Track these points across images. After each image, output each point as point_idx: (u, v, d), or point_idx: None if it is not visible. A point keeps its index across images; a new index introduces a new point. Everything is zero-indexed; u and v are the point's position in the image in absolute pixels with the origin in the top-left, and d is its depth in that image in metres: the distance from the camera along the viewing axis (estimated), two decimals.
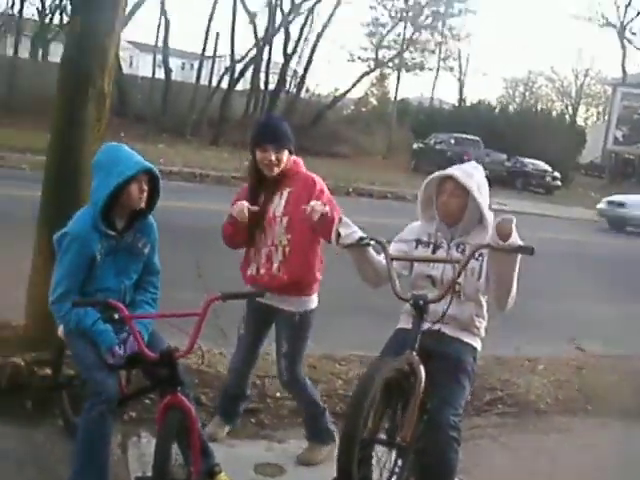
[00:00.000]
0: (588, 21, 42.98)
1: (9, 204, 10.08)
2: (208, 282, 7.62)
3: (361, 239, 3.37)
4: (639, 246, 17.08)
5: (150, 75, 35.27)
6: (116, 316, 3.08)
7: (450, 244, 3.46)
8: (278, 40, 34.02)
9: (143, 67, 43.02)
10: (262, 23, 33.06)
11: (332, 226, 3.44)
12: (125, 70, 33.28)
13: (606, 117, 43.95)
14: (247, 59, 33.37)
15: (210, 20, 31.95)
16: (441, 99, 48.47)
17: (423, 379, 3.09)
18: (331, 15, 33.82)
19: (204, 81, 33.35)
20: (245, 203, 3.71)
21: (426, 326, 3.26)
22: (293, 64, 35.29)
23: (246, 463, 3.92)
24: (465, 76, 48.02)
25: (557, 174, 30.46)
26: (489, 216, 3.41)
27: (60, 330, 3.55)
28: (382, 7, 41.15)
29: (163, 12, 32.49)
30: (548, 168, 30.58)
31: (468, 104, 41.93)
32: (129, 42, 45.61)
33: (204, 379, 4.73)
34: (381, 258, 3.44)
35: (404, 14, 39.25)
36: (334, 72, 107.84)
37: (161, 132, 26.88)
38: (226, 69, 33.31)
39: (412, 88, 76.74)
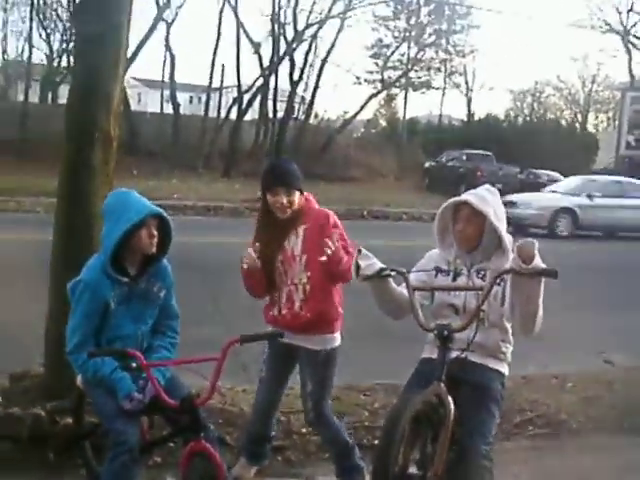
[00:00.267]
0: (591, 29, 42.82)
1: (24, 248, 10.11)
2: (227, 317, 7.64)
3: (381, 270, 3.30)
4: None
5: (159, 110, 35.57)
6: (134, 365, 3.04)
7: (470, 270, 3.40)
8: (284, 68, 34.24)
9: (151, 103, 43.40)
10: (267, 52, 33.29)
11: (340, 266, 3.48)
12: (133, 107, 33.55)
13: (617, 122, 43.70)
14: (254, 89, 33.53)
15: (215, 52, 32.23)
16: (450, 116, 48.51)
17: (452, 410, 3.01)
18: (334, 40, 33.99)
19: (212, 113, 33.54)
20: (250, 250, 3.73)
21: (452, 354, 3.19)
22: (300, 91, 35.44)
23: None
24: (472, 91, 48.01)
25: None
26: (508, 240, 3.34)
27: (79, 379, 3.51)
28: (385, 28, 41.43)
29: (168, 47, 32.83)
30: (562, 178, 30.40)
31: (477, 119, 41.93)
32: (136, 79, 46.06)
33: (228, 418, 4.65)
34: (402, 289, 3.37)
35: (407, 34, 39.44)
36: (341, 96, 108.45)
37: (173, 167, 26.98)
38: (234, 100, 33.48)
39: (420, 107, 77.33)
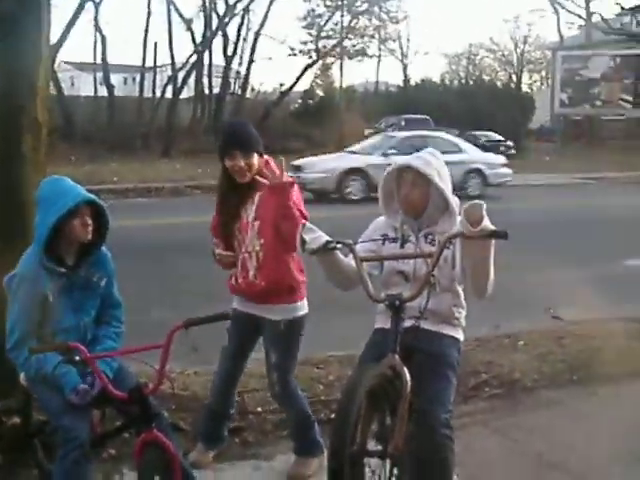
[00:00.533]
0: None
1: None
2: (176, 299, 7.54)
3: (327, 243, 3.20)
4: None
5: (93, 94, 34.78)
6: (77, 358, 2.92)
7: (418, 236, 3.33)
8: (217, 43, 33.78)
9: (85, 87, 42.36)
10: (199, 28, 32.82)
11: (293, 223, 3.40)
12: (66, 92, 32.71)
13: (549, 81, 44.35)
14: (188, 66, 33.03)
15: (146, 31, 31.68)
16: (387, 82, 48.62)
17: (409, 382, 2.96)
18: (267, 12, 33.66)
19: (148, 93, 32.95)
20: (217, 251, 3.73)
21: (405, 324, 3.12)
22: (235, 65, 35.09)
23: None
24: (407, 57, 48.29)
25: (510, 143, 30.67)
26: (454, 202, 3.28)
27: (22, 377, 3.37)
28: None
29: (98, 28, 32.06)
30: (501, 138, 30.80)
31: (413, 84, 42.08)
32: (67, 63, 44.88)
33: (180, 403, 4.55)
34: (350, 260, 3.29)
35: (339, 2, 39.18)
36: (277, 68, 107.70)
37: (111, 150, 26.48)
38: (169, 78, 32.95)
39: (357, 75, 77.00)
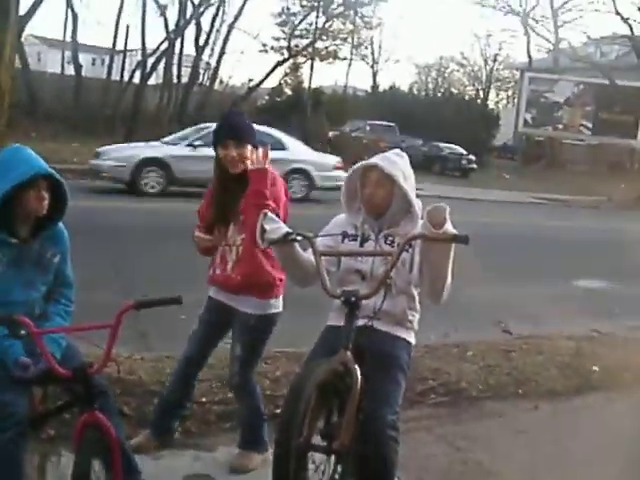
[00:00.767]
0: (493, 8, 43.68)
1: None
2: (125, 283, 7.45)
3: (287, 234, 3.17)
4: None
5: (59, 71, 34.21)
6: (23, 332, 2.84)
7: (378, 236, 3.32)
8: (190, 32, 33.50)
9: (51, 63, 41.68)
10: (173, 16, 32.52)
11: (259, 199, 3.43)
12: (32, 66, 32.15)
13: (515, 100, 44.88)
14: (159, 52, 32.71)
15: (119, 13, 31.25)
16: (355, 87, 48.71)
17: (359, 379, 2.95)
18: (242, 6, 33.52)
19: (116, 76, 32.54)
20: (196, 233, 3.74)
21: (358, 322, 3.11)
22: (205, 56, 34.86)
23: (174, 476, 3.72)
24: (378, 64, 48.39)
25: (472, 157, 30.98)
26: (417, 205, 3.27)
27: None
28: None
29: (70, 5, 31.57)
30: (463, 152, 31.08)
31: (381, 91, 42.25)
32: (35, 37, 44.10)
33: (126, 387, 4.49)
34: (309, 254, 3.26)
35: (315, 3, 39.16)
36: (247, 63, 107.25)
37: (74, 130, 26.09)
38: (138, 63, 32.59)
39: (326, 77, 77.09)
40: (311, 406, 2.85)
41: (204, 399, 4.53)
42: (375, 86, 45.37)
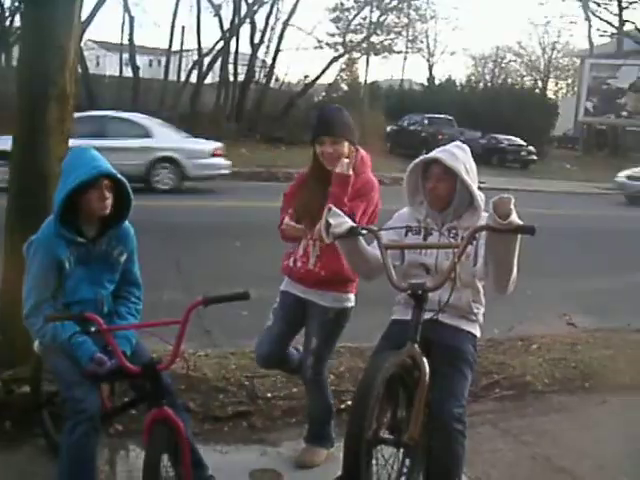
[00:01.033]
0: None
1: None
2: (189, 281, 7.54)
3: (352, 229, 3.18)
4: None
5: (117, 74, 34.82)
6: (93, 329, 2.90)
7: (442, 229, 3.29)
8: (244, 31, 33.74)
9: (110, 66, 42.50)
10: (227, 14, 32.72)
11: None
12: (91, 70, 32.79)
13: (576, 89, 44.01)
14: (214, 52, 32.98)
15: (175, 15, 31.61)
16: (411, 80, 48.41)
17: (428, 372, 2.93)
18: (296, 2, 33.51)
19: (172, 77, 32.95)
20: (286, 220, 3.65)
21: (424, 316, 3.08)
22: (261, 54, 34.99)
23: (241, 470, 3.76)
24: (433, 56, 48.03)
25: (532, 148, 30.45)
26: (480, 197, 3.23)
27: (36, 345, 3.36)
28: None
29: (126, 9, 32.09)
30: (523, 143, 30.58)
31: (438, 84, 41.85)
32: (94, 42, 45.00)
33: (191, 384, 4.56)
34: (373, 248, 3.25)
35: None
36: (303, 60, 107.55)
37: None
38: (194, 63, 32.92)
39: (382, 71, 76.76)
40: (380, 400, 2.84)
41: (269, 394, 4.56)
42: (431, 79, 44.97)
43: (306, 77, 36.97)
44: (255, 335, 4.04)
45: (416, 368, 2.97)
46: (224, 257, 8.67)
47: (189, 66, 33.44)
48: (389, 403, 3.01)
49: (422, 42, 46.26)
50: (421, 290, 3.04)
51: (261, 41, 33.91)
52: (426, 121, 30.77)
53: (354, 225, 3.19)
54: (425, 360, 2.96)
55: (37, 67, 4.09)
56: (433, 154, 3.26)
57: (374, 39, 39.60)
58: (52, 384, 3.66)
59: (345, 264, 3.54)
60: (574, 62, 51.06)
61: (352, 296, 3.77)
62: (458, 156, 3.24)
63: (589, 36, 41.98)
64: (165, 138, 15.89)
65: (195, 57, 33.42)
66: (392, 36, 41.82)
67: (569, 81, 57.16)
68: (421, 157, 3.31)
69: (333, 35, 41.25)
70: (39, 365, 3.64)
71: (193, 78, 32.45)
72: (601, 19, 40.96)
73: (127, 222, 3.37)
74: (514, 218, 2.83)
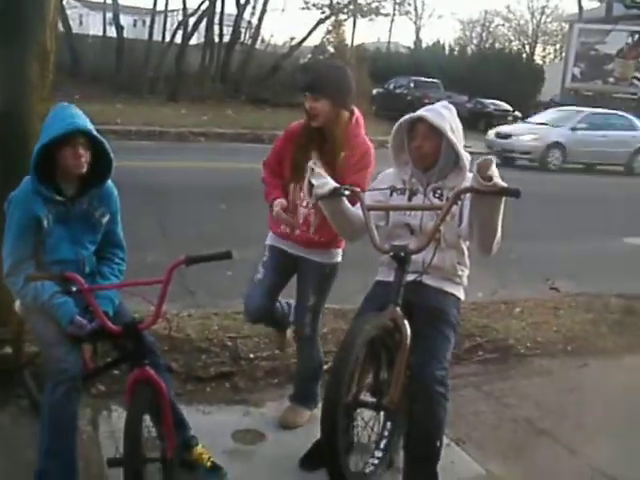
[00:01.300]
0: None
1: None
2: (173, 242, 7.49)
3: (335, 189, 3.14)
4: None
5: (101, 34, 34.31)
6: (74, 289, 2.87)
7: (427, 190, 3.26)
8: None
9: (93, 26, 41.83)
10: None
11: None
12: (74, 30, 32.26)
13: (563, 55, 43.74)
14: (200, 12, 32.52)
15: None
16: (398, 43, 48.05)
17: (409, 335, 2.92)
18: None
19: (157, 37, 32.49)
20: (277, 209, 3.52)
21: (407, 277, 3.07)
22: (247, 15, 34.57)
23: (223, 431, 3.76)
24: (421, 19, 47.64)
25: (518, 113, 30.39)
26: (465, 157, 3.20)
27: (17, 305, 3.33)
28: None
29: None
30: (509, 108, 30.53)
31: (425, 47, 41.59)
32: (76, 0, 44.27)
33: (174, 344, 4.55)
34: (356, 209, 3.22)
35: None
36: (289, 21, 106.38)
37: (117, 91, 26.18)
38: (179, 23, 32.45)
39: (369, 34, 76.05)
40: (360, 362, 2.84)
41: (252, 355, 4.57)
42: (418, 42, 44.67)
43: (292, 39, 36.67)
44: (239, 296, 4.00)
45: (397, 331, 2.95)
46: (209, 219, 8.63)
47: (174, 26, 32.96)
48: (371, 365, 3.00)
49: (410, 5, 45.97)
50: (403, 252, 3.01)
51: (247, 1, 33.47)
52: (412, 84, 30.58)
53: (337, 186, 3.16)
54: (406, 323, 2.95)
55: (16, 19, 3.94)
56: (419, 113, 3.21)
57: (361, 1, 39.23)
58: (34, 344, 3.64)
59: None
60: (562, 27, 50.78)
61: (341, 250, 3.73)
62: (444, 115, 3.20)
63: (578, 0, 41.72)
64: None
65: (180, 17, 32.93)
66: None
67: (557, 46, 56.90)
68: (407, 116, 3.27)
69: None
70: (21, 326, 3.61)
71: (178, 39, 32.00)
72: None
73: (110, 183, 3.31)
74: (498, 180, 2.81)
